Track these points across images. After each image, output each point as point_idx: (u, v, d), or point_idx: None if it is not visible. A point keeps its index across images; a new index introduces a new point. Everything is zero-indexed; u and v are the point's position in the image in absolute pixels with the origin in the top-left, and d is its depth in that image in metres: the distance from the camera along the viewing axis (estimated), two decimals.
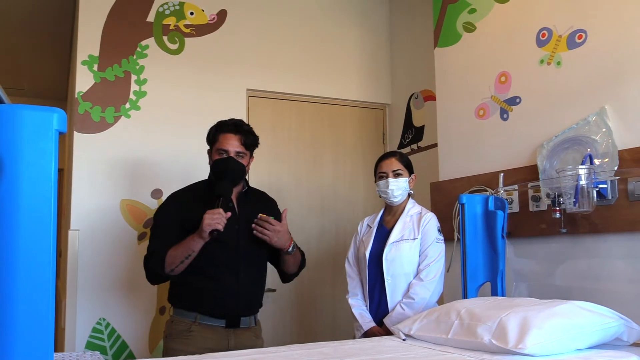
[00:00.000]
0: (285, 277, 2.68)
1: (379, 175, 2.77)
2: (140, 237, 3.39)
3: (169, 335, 2.46)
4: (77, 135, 3.33)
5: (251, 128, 2.56)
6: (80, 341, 3.20)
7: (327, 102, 4.11)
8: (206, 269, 2.41)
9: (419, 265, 2.66)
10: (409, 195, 2.80)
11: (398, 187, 2.71)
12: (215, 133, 2.52)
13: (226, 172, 2.43)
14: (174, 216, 2.45)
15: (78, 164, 3.32)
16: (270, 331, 3.61)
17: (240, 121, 2.55)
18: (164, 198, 3.38)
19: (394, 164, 2.74)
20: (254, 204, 2.60)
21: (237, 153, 2.47)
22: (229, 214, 2.35)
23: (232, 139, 2.47)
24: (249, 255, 2.49)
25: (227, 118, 2.60)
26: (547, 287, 2.67)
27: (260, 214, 2.46)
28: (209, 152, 2.56)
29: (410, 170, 2.78)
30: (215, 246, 2.37)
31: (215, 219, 2.29)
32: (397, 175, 2.72)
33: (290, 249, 2.51)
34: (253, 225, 2.44)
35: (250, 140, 2.52)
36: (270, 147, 3.88)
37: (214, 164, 2.49)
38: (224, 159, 2.45)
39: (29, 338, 1.06)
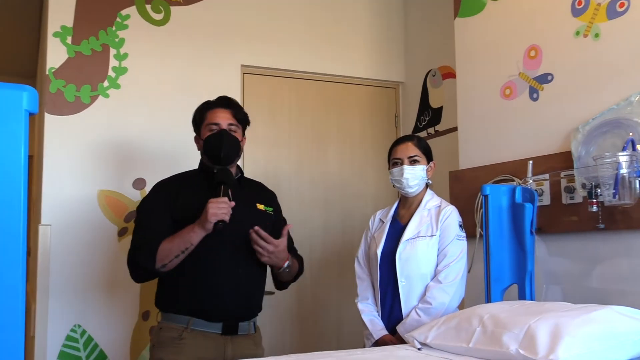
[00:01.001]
0: (279, 285, 2.70)
1: (393, 161, 2.77)
2: (121, 233, 3.40)
3: (157, 344, 2.44)
4: (48, 117, 3.33)
5: (237, 102, 2.63)
6: (52, 351, 3.21)
7: (332, 80, 4.11)
8: (200, 267, 2.40)
9: (437, 266, 2.66)
10: (427, 185, 2.80)
11: (414, 175, 2.71)
12: (202, 111, 2.56)
13: (222, 144, 2.44)
14: (164, 205, 2.45)
15: (49, 150, 3.32)
16: (269, 339, 3.62)
17: (226, 96, 2.62)
18: (147, 189, 3.39)
19: (410, 149, 2.74)
20: (249, 194, 2.60)
21: (230, 126, 2.52)
22: (234, 203, 2.37)
23: (222, 112, 2.53)
24: (248, 251, 2.46)
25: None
26: (581, 290, 2.67)
27: (255, 227, 2.42)
28: (197, 136, 2.58)
29: (429, 157, 2.78)
30: (210, 241, 2.37)
31: (222, 208, 2.31)
32: (413, 162, 2.72)
33: (283, 268, 2.52)
34: (251, 233, 2.41)
35: (241, 115, 2.58)
36: (268, 132, 3.88)
37: (207, 141, 2.49)
38: (217, 133, 2.48)
39: None
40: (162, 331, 2.44)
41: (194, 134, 2.60)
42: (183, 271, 2.39)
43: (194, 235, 2.33)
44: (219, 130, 2.49)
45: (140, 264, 2.38)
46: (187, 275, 2.40)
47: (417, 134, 3.83)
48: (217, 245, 2.40)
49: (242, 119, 2.59)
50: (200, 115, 2.56)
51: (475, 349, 2.03)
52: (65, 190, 3.32)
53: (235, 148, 2.49)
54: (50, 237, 3.25)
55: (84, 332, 3.28)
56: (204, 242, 2.35)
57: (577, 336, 1.83)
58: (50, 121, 3.33)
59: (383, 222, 2.84)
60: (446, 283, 2.60)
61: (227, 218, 2.32)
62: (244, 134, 2.62)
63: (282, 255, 2.48)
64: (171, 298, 2.47)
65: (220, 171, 2.43)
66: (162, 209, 2.44)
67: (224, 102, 2.57)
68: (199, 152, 2.60)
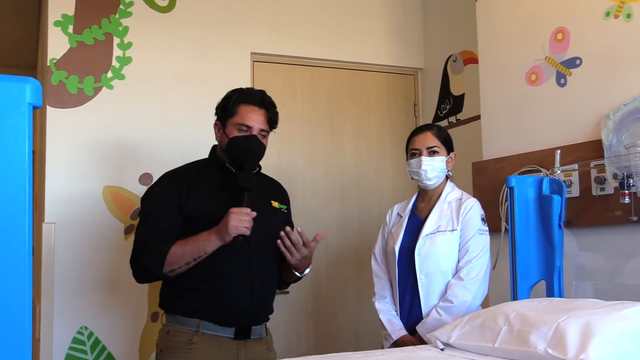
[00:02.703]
0: (282, 285, 2.70)
1: (411, 152, 2.77)
2: (127, 231, 3.42)
3: (165, 349, 2.39)
4: (50, 111, 3.36)
5: (274, 102, 2.55)
6: (59, 354, 3.24)
7: (346, 68, 4.10)
8: (213, 267, 2.36)
9: (458, 262, 2.66)
10: (447, 177, 2.79)
11: (433, 167, 2.71)
12: (235, 102, 2.45)
13: (250, 155, 2.41)
14: (172, 200, 2.40)
15: (52, 145, 3.35)
16: (283, 341, 3.65)
17: (264, 92, 2.53)
18: None
19: (429, 139, 2.74)
20: (265, 190, 2.59)
21: (261, 131, 2.46)
22: (255, 213, 2.32)
23: (256, 114, 2.45)
24: (262, 249, 2.45)
25: (228, 87, 2.59)
26: (613, 287, 2.66)
27: (287, 228, 2.44)
28: (221, 124, 2.49)
29: (449, 147, 2.77)
30: None
31: (244, 221, 2.27)
32: (432, 153, 2.72)
33: (304, 273, 2.55)
34: (282, 234, 2.43)
35: (275, 117, 2.52)
36: (280, 123, 3.83)
37: (234, 142, 2.41)
38: (247, 137, 2.41)
39: (2, 353, 1.06)
40: (169, 335, 2.39)
41: (215, 118, 2.51)
42: (193, 270, 2.34)
43: (209, 245, 2.29)
44: (250, 136, 2.42)
45: (145, 264, 2.34)
46: (198, 275, 2.35)
47: (437, 124, 3.83)
48: (232, 246, 2.34)
49: (274, 122, 2.53)
50: (232, 107, 2.45)
51: (501, 349, 2.03)
52: (69, 186, 3.34)
53: (260, 157, 2.47)
54: (55, 235, 3.28)
55: (91, 334, 3.31)
56: None
57: (609, 335, 1.83)
58: (52, 114, 3.36)
59: (401, 217, 2.84)
60: (468, 280, 2.60)
61: (248, 232, 2.28)
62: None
63: (309, 261, 2.52)
64: (179, 299, 2.41)
65: (244, 176, 2.37)
66: (171, 205, 2.39)
67: (261, 101, 2.48)
68: (216, 139, 2.54)
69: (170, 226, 2.37)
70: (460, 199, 2.74)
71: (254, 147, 2.42)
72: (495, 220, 3.01)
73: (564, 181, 2.78)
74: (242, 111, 2.44)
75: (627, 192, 2.49)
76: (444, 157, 2.74)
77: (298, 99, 3.97)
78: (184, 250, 2.30)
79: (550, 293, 2.64)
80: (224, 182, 2.44)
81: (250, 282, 2.40)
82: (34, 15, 5.03)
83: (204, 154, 2.65)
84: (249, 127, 2.42)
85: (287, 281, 2.67)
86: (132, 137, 3.49)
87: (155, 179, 3.40)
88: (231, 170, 2.44)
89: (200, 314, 2.37)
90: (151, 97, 3.54)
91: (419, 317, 2.65)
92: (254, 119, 2.43)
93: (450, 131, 2.93)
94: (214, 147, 2.61)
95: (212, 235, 2.29)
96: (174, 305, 2.44)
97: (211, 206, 2.37)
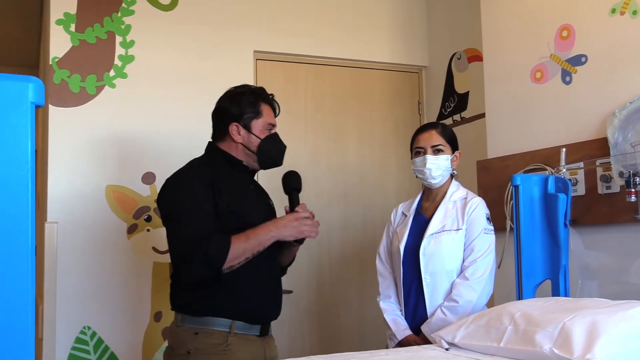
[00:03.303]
0: (283, 270, 2.73)
1: (415, 150, 2.77)
2: (130, 230, 3.43)
3: (195, 350, 2.33)
4: (52, 110, 3.36)
5: None
6: (62, 354, 3.25)
7: (350, 66, 4.10)
8: (243, 267, 2.34)
9: (463, 262, 2.66)
10: (452, 176, 2.79)
11: (437, 166, 2.71)
12: (256, 101, 2.50)
13: (283, 153, 2.54)
14: (207, 198, 2.35)
15: (54, 144, 3.35)
16: (286, 340, 3.65)
17: (264, 89, 2.63)
18: (157, 183, 3.42)
19: (434, 137, 2.74)
20: (262, 189, 2.70)
21: (274, 127, 2.57)
22: (313, 213, 2.48)
23: (272, 112, 2.55)
24: (272, 247, 2.44)
25: (230, 85, 2.60)
26: (619, 286, 2.66)
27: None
28: (242, 126, 2.48)
29: (454, 146, 2.77)
30: None
31: (313, 229, 2.43)
32: (436, 151, 2.71)
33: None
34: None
35: (277, 113, 2.63)
36: (283, 121, 3.81)
37: (271, 142, 2.51)
38: (277, 136, 2.53)
39: (5, 353, 1.06)
40: (199, 337, 2.34)
41: (237, 114, 2.48)
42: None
43: (268, 241, 2.34)
44: (276, 134, 2.53)
45: (212, 257, 2.24)
46: (227, 276, 2.31)
47: (441, 122, 3.83)
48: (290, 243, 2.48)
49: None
50: (254, 107, 2.48)
51: (506, 348, 2.03)
52: (72, 186, 3.35)
53: None
54: (57, 235, 3.29)
55: (94, 334, 3.32)
56: None
57: (615, 335, 1.83)
58: (55, 113, 3.36)
59: (406, 216, 2.84)
60: (473, 280, 2.60)
61: (316, 236, 2.45)
62: None
63: None
64: (208, 300, 2.37)
65: (294, 177, 2.53)
66: (208, 202, 2.35)
67: (272, 101, 2.56)
68: (235, 141, 2.49)
69: (212, 223, 2.33)
70: (466, 198, 2.74)
71: (284, 146, 2.56)
72: (500, 219, 3.01)
73: (570, 179, 2.78)
74: (265, 110, 2.51)
75: (633, 190, 2.49)
76: (449, 155, 2.73)
77: (301, 97, 3.97)
78: (246, 245, 2.30)
79: (555, 292, 2.64)
80: (246, 181, 2.53)
81: (272, 280, 2.50)
82: (36, 13, 5.03)
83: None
84: (274, 126, 2.52)
85: (284, 264, 2.68)
86: (135, 136, 3.50)
87: (157, 178, 3.44)
88: (247, 168, 2.51)
89: (231, 314, 2.37)
90: (154, 96, 3.55)
91: (424, 317, 2.65)
92: (273, 116, 2.54)
93: (454, 129, 2.93)
94: (215, 146, 2.54)
95: (272, 231, 2.35)
96: (202, 307, 2.38)
97: (243, 204, 2.42)
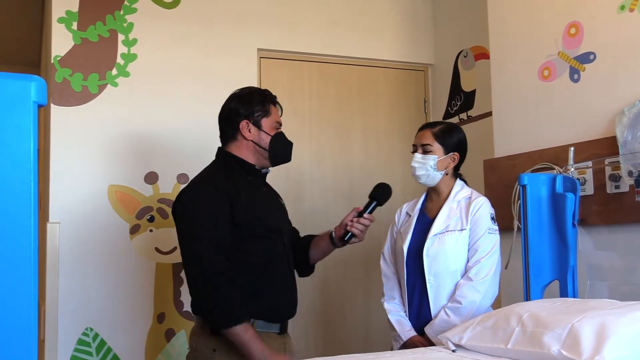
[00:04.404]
0: (308, 269, 2.78)
1: (413, 148, 2.79)
2: (133, 230, 3.43)
3: (219, 349, 2.40)
4: (54, 109, 3.37)
5: None
6: (64, 356, 3.26)
7: (355, 64, 4.10)
8: (261, 265, 2.48)
9: (467, 262, 2.66)
10: (458, 176, 2.79)
11: (421, 165, 2.70)
12: (265, 100, 2.58)
13: (291, 149, 2.63)
14: (225, 213, 2.42)
15: (56, 144, 3.36)
16: (292, 341, 3.64)
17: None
18: (160, 183, 3.43)
19: (425, 137, 2.74)
20: (273, 190, 2.74)
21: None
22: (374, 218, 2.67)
23: (278, 113, 2.63)
24: (291, 249, 2.66)
25: (234, 84, 2.63)
26: (628, 287, 2.65)
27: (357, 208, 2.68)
28: (257, 119, 2.52)
29: (448, 147, 2.73)
30: (268, 242, 2.50)
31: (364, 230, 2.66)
32: (426, 151, 2.72)
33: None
34: (353, 222, 2.64)
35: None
36: (287, 119, 3.81)
37: (279, 139, 2.57)
38: (283, 134, 2.59)
39: (7, 355, 1.06)
40: (223, 336, 2.38)
41: (248, 111, 2.52)
42: (243, 271, 2.42)
43: (251, 350, 2.32)
44: (284, 134, 2.59)
45: (216, 314, 2.36)
46: (247, 275, 2.43)
47: (448, 122, 3.82)
48: (275, 245, 2.54)
49: None
50: (263, 106, 2.55)
51: (514, 350, 2.03)
52: (74, 186, 3.36)
53: None
54: (59, 235, 3.29)
55: (96, 335, 3.32)
56: (263, 242, 2.47)
57: (624, 336, 1.82)
58: (57, 112, 3.37)
59: (410, 216, 2.84)
60: (477, 280, 2.60)
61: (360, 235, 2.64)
62: None
63: None
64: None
65: (385, 190, 2.71)
66: (225, 217, 2.41)
67: (275, 98, 2.63)
68: (247, 139, 2.52)
69: (227, 241, 2.41)
70: (470, 197, 2.73)
71: (291, 142, 2.64)
72: (507, 219, 3.00)
73: (578, 179, 2.77)
74: (273, 110, 2.58)
75: None
76: (437, 156, 2.70)
77: (306, 95, 3.97)
78: (239, 339, 2.33)
79: (564, 293, 2.64)
80: (259, 183, 2.59)
81: (290, 278, 2.60)
82: (38, 12, 5.05)
83: (210, 151, 2.65)
84: (281, 125, 2.60)
85: (314, 260, 2.76)
86: (138, 135, 3.50)
87: (160, 177, 3.44)
88: (259, 172, 2.58)
89: (253, 313, 2.42)
90: (156, 95, 3.55)
91: (428, 318, 2.65)
92: (279, 116, 2.62)
93: (461, 127, 2.92)
94: (226, 151, 2.56)
95: (258, 355, 2.32)
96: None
97: (259, 209, 2.49)
